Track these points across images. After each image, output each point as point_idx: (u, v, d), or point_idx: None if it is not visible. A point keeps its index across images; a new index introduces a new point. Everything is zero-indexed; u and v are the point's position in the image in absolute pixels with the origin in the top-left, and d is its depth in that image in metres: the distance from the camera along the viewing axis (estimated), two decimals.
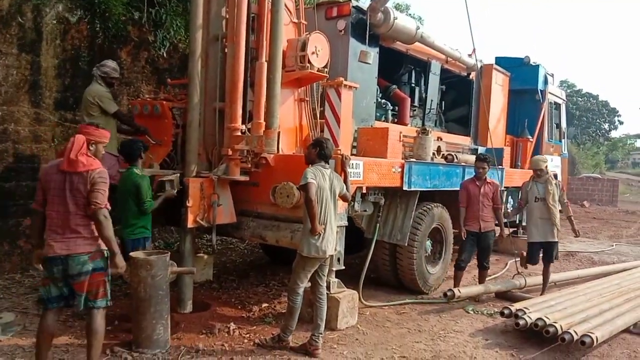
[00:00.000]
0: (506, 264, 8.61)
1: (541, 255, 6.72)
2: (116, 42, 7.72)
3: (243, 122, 5.12)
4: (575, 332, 4.75)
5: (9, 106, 6.45)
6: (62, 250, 3.51)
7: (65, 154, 3.57)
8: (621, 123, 48.73)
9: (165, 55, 8.44)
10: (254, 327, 5.06)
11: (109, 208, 3.62)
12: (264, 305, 5.70)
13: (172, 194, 5.07)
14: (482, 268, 6.67)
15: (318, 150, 4.48)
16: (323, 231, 4.37)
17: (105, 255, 3.67)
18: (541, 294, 6.56)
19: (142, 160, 5.09)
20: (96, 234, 3.60)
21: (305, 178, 4.30)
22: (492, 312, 6.00)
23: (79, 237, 3.55)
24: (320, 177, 4.39)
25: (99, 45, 7.48)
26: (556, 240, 6.55)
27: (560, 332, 4.79)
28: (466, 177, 6.98)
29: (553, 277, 7.59)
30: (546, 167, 6.58)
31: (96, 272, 3.61)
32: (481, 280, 6.74)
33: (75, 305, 3.66)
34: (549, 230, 6.49)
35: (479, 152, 8.73)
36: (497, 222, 6.63)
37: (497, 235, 6.82)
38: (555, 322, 4.91)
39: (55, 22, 6.91)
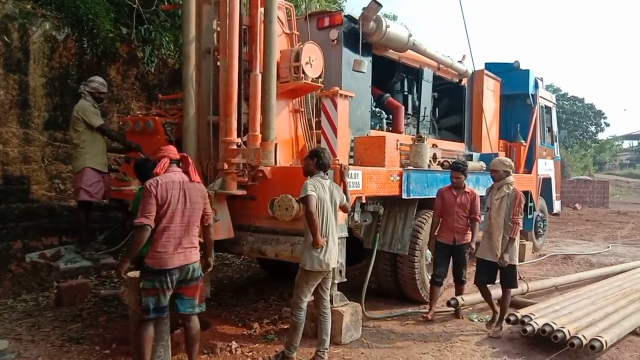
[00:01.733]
0: None
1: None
2: (105, 59, 7.63)
3: (238, 135, 5.03)
4: (583, 336, 4.68)
5: None
6: (181, 261, 3.77)
7: (191, 170, 3.97)
8: (607, 125, 49.13)
9: (154, 71, 8.36)
10: (257, 344, 4.93)
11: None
12: (265, 321, 5.57)
13: None
14: (460, 283, 6.14)
15: (316, 161, 4.40)
16: (325, 244, 4.28)
17: None
18: (490, 325, 5.66)
19: None
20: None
21: (305, 190, 4.22)
22: None
23: (194, 247, 3.89)
24: (320, 188, 4.31)
25: (88, 62, 7.39)
26: (496, 261, 5.36)
27: (568, 337, 4.72)
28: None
29: (555, 280, 7.56)
30: (505, 171, 5.48)
31: (200, 278, 3.98)
32: (460, 294, 6.12)
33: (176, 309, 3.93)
34: (488, 247, 5.48)
35: (473, 157, 8.74)
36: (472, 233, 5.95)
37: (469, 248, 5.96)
38: (562, 327, 4.84)
39: (42, 40, 6.82)
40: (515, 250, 5.45)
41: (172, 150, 4.03)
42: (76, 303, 5.97)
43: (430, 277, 6.18)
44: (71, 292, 6.06)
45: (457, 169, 5.96)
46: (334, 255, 4.39)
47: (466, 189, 5.99)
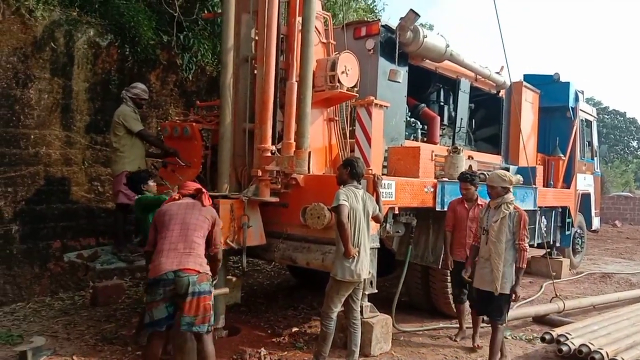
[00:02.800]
0: (541, 287, 8.31)
1: None
2: (145, 66, 7.81)
3: (273, 143, 5.07)
4: (623, 359, 4.51)
5: (40, 130, 6.55)
6: (174, 265, 3.66)
7: (203, 197, 4.01)
8: None
9: (192, 78, 8.51)
10: (285, 352, 4.93)
11: None
12: (294, 329, 5.57)
13: None
14: (460, 302, 5.58)
15: (349, 170, 4.40)
16: (357, 254, 4.26)
17: None
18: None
19: (146, 187, 5.03)
20: None
21: (337, 199, 4.21)
22: (531, 337, 5.76)
23: (192, 253, 3.76)
24: (353, 198, 4.29)
25: (129, 68, 7.57)
26: (497, 292, 4.60)
27: (606, 359, 4.56)
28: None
29: (593, 299, 7.32)
30: (503, 187, 4.71)
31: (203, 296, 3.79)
32: (476, 326, 5.44)
33: None
34: (487, 275, 4.68)
35: (510, 170, 8.56)
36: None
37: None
38: (600, 349, 4.69)
39: (86, 46, 7.03)
40: (510, 281, 4.64)
41: (186, 187, 4.13)
42: (110, 303, 6.10)
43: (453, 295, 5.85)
44: (106, 293, 6.20)
45: (465, 179, 5.48)
46: (365, 266, 4.36)
47: (479, 202, 5.46)
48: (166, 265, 3.59)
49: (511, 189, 4.75)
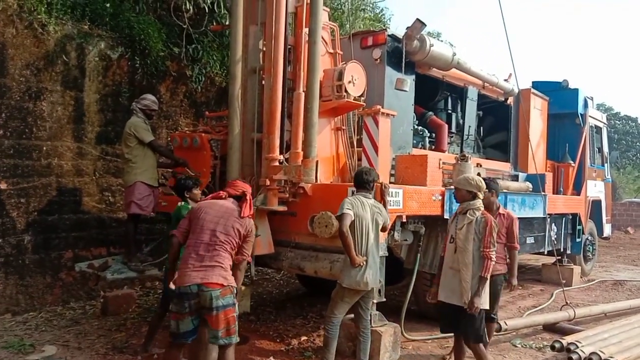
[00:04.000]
0: (552, 295, 8.25)
1: None
2: (155, 77, 7.91)
3: (280, 152, 5.12)
4: None
5: (52, 141, 6.65)
6: (198, 279, 3.65)
7: (244, 205, 3.92)
8: None
9: (202, 89, 8.61)
10: None
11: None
12: (303, 338, 5.59)
13: None
14: (489, 320, 4.99)
15: (354, 179, 4.44)
16: (365, 262, 4.27)
17: None
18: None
19: (189, 195, 5.02)
20: None
21: (341, 209, 4.26)
22: (541, 345, 5.73)
23: (218, 267, 3.72)
24: (359, 206, 4.32)
25: (139, 80, 7.68)
26: (464, 306, 4.17)
27: None
28: (508, 205, 6.78)
29: (604, 307, 7.26)
30: (469, 191, 4.36)
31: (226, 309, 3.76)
32: (488, 335, 4.98)
33: None
34: (456, 287, 4.27)
35: (519, 178, 8.54)
36: (508, 264, 5.10)
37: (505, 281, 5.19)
38: (611, 357, 4.67)
39: (97, 59, 7.15)
40: (487, 293, 4.28)
41: (235, 186, 4.07)
42: (121, 313, 6.16)
43: None
44: (117, 302, 6.26)
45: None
46: (372, 275, 4.37)
47: (500, 211, 5.17)
48: (191, 278, 3.58)
49: (479, 195, 4.37)
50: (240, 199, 3.96)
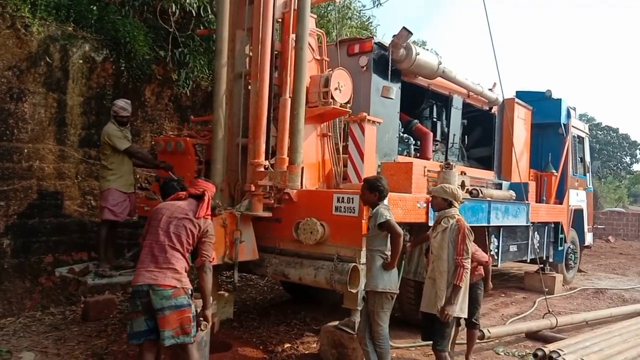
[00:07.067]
0: (534, 302, 8.32)
1: None
2: (140, 81, 7.85)
3: (266, 158, 5.10)
4: None
5: (34, 143, 6.54)
6: (149, 280, 3.64)
7: (200, 205, 3.87)
8: None
9: (188, 93, 8.55)
10: None
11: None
12: (287, 345, 5.54)
13: None
14: (471, 326, 5.25)
15: (377, 195, 4.41)
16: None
17: None
18: None
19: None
20: None
21: (383, 215, 4.22)
22: (524, 353, 5.76)
23: (170, 269, 3.69)
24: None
25: (124, 83, 7.61)
26: (439, 313, 4.15)
27: None
28: (491, 213, 6.83)
29: (586, 315, 7.34)
30: (444, 199, 4.41)
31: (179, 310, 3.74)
32: (470, 342, 5.32)
33: None
34: (432, 295, 4.27)
35: (502, 186, 8.62)
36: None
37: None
38: None
39: (81, 61, 7.07)
40: (465, 301, 4.27)
41: (197, 185, 4.04)
42: (102, 318, 6.06)
43: None
44: (97, 307, 6.16)
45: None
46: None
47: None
48: (144, 278, 3.59)
49: (456, 204, 4.40)
50: (200, 198, 3.92)
